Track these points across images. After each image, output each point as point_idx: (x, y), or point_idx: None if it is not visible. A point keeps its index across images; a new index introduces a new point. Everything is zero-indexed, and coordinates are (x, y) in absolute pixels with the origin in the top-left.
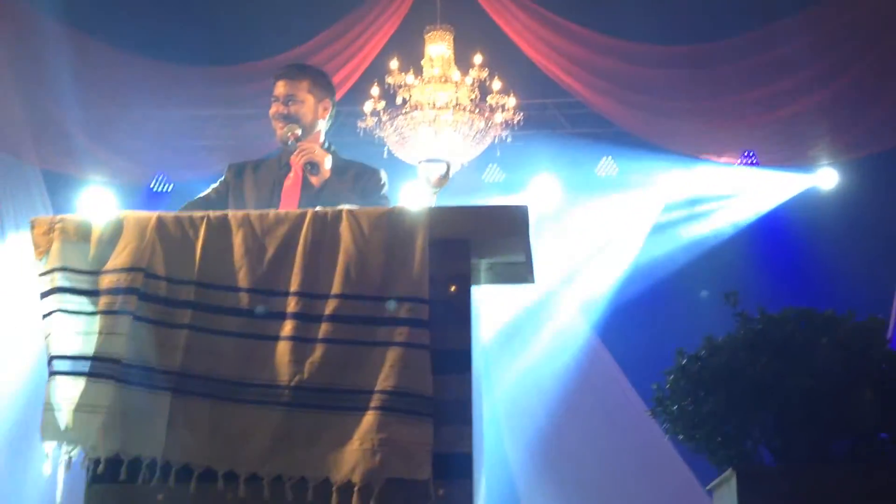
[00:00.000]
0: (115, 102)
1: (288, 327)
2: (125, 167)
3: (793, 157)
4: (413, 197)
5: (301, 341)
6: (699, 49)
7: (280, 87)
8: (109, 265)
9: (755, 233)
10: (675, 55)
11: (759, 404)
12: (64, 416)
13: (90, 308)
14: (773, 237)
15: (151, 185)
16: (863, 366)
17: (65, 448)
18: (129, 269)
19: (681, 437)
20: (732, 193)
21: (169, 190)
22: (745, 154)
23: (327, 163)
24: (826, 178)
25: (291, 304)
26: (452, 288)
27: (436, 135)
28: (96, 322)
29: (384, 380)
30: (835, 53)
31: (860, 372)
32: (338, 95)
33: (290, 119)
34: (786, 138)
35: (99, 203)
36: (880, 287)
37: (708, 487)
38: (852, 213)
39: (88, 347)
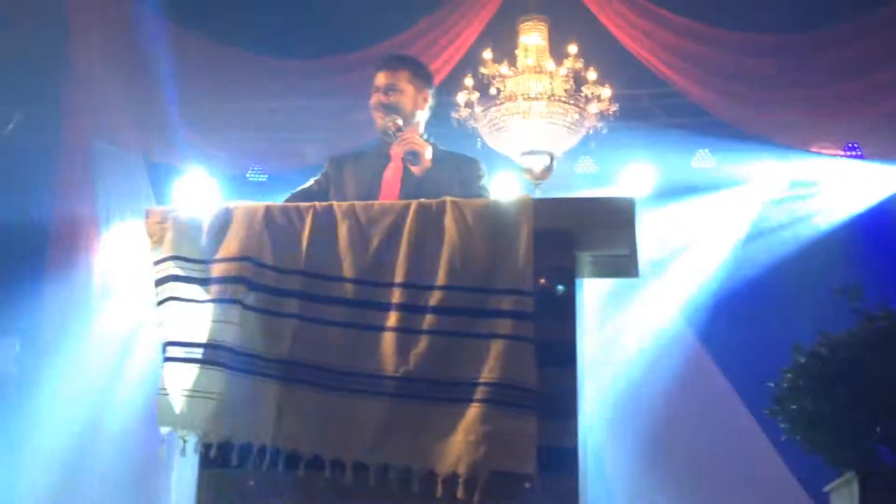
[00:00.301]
0: (215, 95)
1: (393, 318)
2: (223, 157)
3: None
4: (509, 188)
5: (406, 332)
6: (799, 38)
7: (381, 78)
8: (220, 254)
9: (858, 227)
10: (775, 44)
11: (883, 404)
12: (178, 402)
13: (202, 296)
14: (876, 231)
15: (247, 175)
16: None
17: (179, 433)
18: (239, 259)
19: (798, 437)
20: (835, 186)
21: (264, 180)
22: (849, 146)
23: (428, 153)
24: None
25: (397, 295)
26: (551, 282)
27: (529, 126)
28: (208, 310)
29: (488, 372)
30: None
31: None
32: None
33: (390, 109)
34: (891, 131)
35: (198, 192)
36: None
37: (826, 489)
38: None
39: (200, 335)
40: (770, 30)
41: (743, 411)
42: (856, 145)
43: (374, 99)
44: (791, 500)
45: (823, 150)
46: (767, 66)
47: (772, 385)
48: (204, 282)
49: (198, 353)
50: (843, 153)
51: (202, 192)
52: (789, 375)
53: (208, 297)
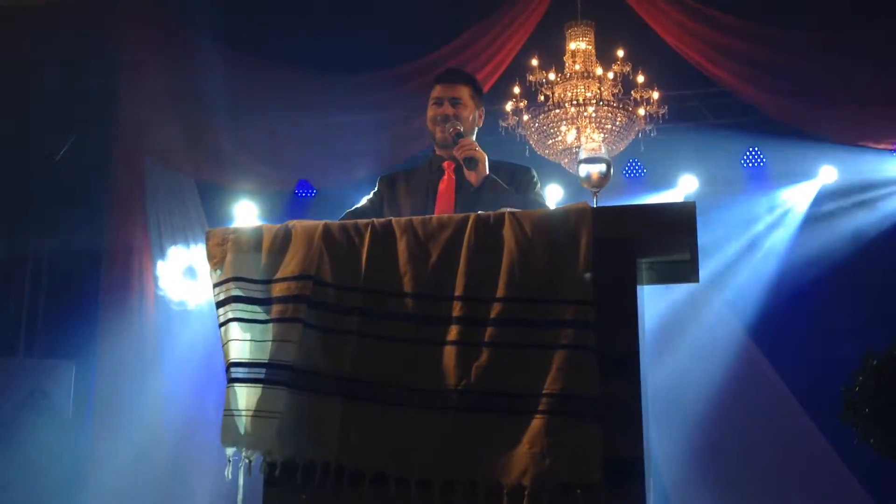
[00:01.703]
0: (262, 111)
1: (454, 332)
2: (271, 175)
3: None
4: (562, 197)
5: (467, 345)
6: (846, 35)
7: (442, 91)
8: (280, 273)
9: None
10: (822, 41)
11: None
12: (242, 422)
13: (263, 316)
14: None
15: (297, 192)
16: None
17: (244, 453)
18: (299, 278)
19: (872, 440)
20: (890, 182)
21: (313, 195)
22: None
23: (485, 161)
24: None
25: (457, 309)
26: (608, 290)
27: (579, 132)
28: (269, 330)
29: (551, 383)
30: None
31: None
32: None
33: (456, 122)
34: None
35: (250, 212)
36: None
37: None
38: None
39: (263, 354)
40: (815, 27)
41: (799, 412)
42: None
43: (438, 110)
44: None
45: (875, 146)
46: (814, 63)
47: (843, 389)
48: (265, 302)
49: (260, 372)
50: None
51: (252, 211)
52: (861, 379)
53: (269, 316)
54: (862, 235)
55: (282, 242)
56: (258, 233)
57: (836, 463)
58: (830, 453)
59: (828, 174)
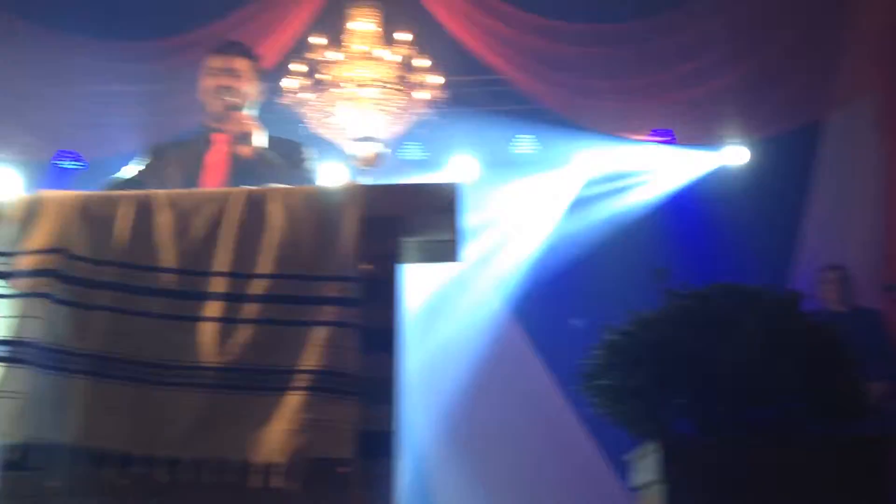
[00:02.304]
0: (24, 77)
1: (215, 308)
2: (32, 143)
3: (705, 135)
4: (336, 175)
5: (228, 322)
6: (617, 28)
7: (221, 62)
8: (27, 246)
9: (668, 209)
10: (594, 33)
11: (687, 378)
12: None
13: (7, 291)
14: (685, 213)
15: (59, 163)
16: (784, 338)
17: None
18: (49, 251)
19: (607, 411)
20: (648, 170)
21: (78, 167)
22: (660, 132)
23: (259, 136)
24: (736, 155)
25: (219, 285)
26: (376, 268)
27: (358, 112)
28: (13, 305)
29: (311, 359)
30: (744, 35)
31: (782, 344)
32: None
33: (232, 94)
34: (698, 117)
35: (13, 182)
36: (784, 260)
37: (627, 458)
38: (761, 188)
39: (7, 331)
40: (590, 20)
41: (554, 388)
42: (667, 131)
43: (213, 82)
44: (595, 470)
45: (637, 136)
46: (586, 55)
47: (584, 362)
48: (10, 275)
49: (4, 350)
50: (655, 139)
51: (14, 182)
52: (599, 352)
53: (14, 290)
54: (615, 220)
55: (30, 213)
56: (2, 202)
57: (586, 435)
58: (580, 427)
59: (590, 163)
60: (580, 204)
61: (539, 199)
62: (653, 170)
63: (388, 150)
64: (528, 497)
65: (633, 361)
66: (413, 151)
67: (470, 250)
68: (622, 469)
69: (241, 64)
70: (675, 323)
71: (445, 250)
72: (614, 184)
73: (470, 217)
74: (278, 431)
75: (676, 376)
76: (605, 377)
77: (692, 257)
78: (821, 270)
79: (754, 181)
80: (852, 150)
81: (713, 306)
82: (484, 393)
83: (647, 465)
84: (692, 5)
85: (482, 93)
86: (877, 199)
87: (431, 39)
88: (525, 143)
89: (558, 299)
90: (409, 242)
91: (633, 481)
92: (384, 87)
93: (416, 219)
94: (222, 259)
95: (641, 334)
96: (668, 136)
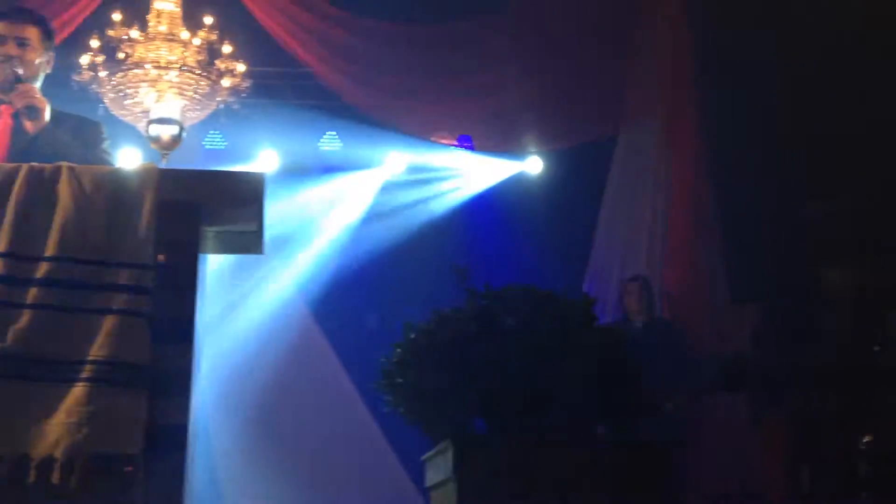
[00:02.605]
0: None
1: None
2: None
3: (503, 143)
4: (133, 158)
5: (7, 307)
6: (428, 30)
7: (8, 28)
8: None
9: (468, 213)
10: (405, 34)
11: (482, 378)
12: None
13: None
14: (485, 217)
15: None
16: (576, 342)
17: None
18: None
19: (402, 409)
20: (451, 174)
21: None
22: (462, 138)
23: (47, 111)
24: (533, 164)
25: None
26: (173, 256)
27: (158, 95)
28: None
29: (98, 349)
30: (544, 49)
31: (574, 348)
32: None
33: (16, 62)
34: (498, 125)
35: None
36: (577, 266)
37: (423, 458)
38: (555, 197)
39: None
40: (402, 21)
41: (350, 386)
42: (468, 137)
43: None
44: (388, 469)
45: (440, 140)
46: (396, 56)
47: (383, 360)
48: None
49: None
50: (457, 143)
51: None
52: (399, 351)
53: None
54: (421, 221)
55: None
56: None
57: (382, 434)
58: (375, 426)
59: (397, 162)
60: (386, 204)
61: (342, 196)
62: (455, 174)
63: (184, 133)
64: (321, 496)
65: (430, 360)
66: (214, 140)
67: (271, 244)
68: (418, 468)
69: (30, 32)
70: (472, 323)
71: (247, 241)
72: (417, 186)
73: (272, 210)
74: (58, 424)
75: (472, 376)
76: (402, 376)
77: (490, 261)
78: (623, 281)
79: (551, 190)
80: (640, 165)
81: (510, 308)
82: (280, 389)
83: (440, 465)
84: (498, 16)
85: (290, 86)
86: (660, 213)
87: (239, 27)
88: (331, 141)
89: (357, 297)
90: (210, 231)
91: (427, 481)
92: (185, 70)
93: (217, 207)
94: (2, 239)
95: (440, 333)
96: (468, 143)
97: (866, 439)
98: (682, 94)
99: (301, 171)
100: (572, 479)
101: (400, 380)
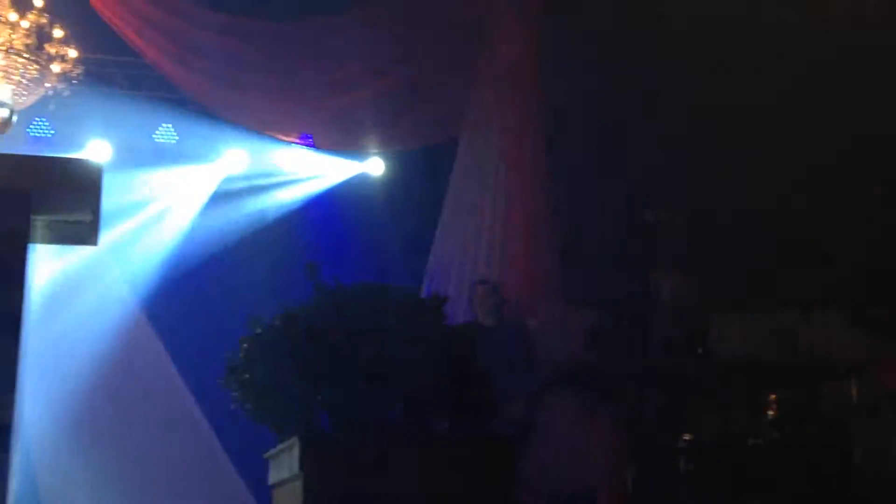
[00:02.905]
0: None
1: None
2: None
3: (345, 143)
4: None
5: None
6: (272, 27)
7: None
8: None
9: (309, 212)
10: (249, 29)
11: (330, 374)
12: None
13: None
14: (325, 218)
15: None
16: (426, 340)
17: None
18: None
19: (249, 406)
20: (290, 172)
21: None
22: (305, 136)
23: None
24: (375, 165)
25: None
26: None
27: None
28: None
29: None
30: (388, 51)
31: (424, 346)
32: None
33: None
34: (340, 125)
35: None
36: (417, 268)
37: (267, 455)
38: (398, 199)
39: None
40: (249, 15)
41: (181, 386)
42: (310, 136)
43: None
44: (223, 468)
45: (282, 137)
46: (239, 49)
47: (228, 355)
48: None
49: None
50: (300, 142)
51: None
52: (245, 346)
53: None
54: (257, 219)
55: None
56: None
57: (217, 431)
58: (209, 424)
59: (237, 158)
60: (224, 199)
61: (179, 191)
62: (296, 172)
63: (14, 118)
64: (151, 498)
65: (277, 356)
66: (40, 127)
67: (104, 237)
68: (253, 467)
69: None
70: (321, 317)
71: (81, 232)
72: (257, 182)
73: (105, 202)
74: None
75: (319, 372)
76: (249, 371)
77: (329, 260)
78: (472, 284)
79: (394, 191)
80: (480, 169)
81: (359, 304)
82: (109, 388)
83: (285, 462)
84: (341, 16)
85: (125, 75)
86: (499, 217)
87: (73, 12)
88: (167, 133)
89: (193, 293)
90: (40, 221)
91: (271, 478)
92: (12, 53)
93: (50, 196)
94: None
95: (287, 329)
96: (309, 141)
97: (686, 437)
98: (523, 99)
99: (134, 164)
100: (417, 474)
101: (247, 375)
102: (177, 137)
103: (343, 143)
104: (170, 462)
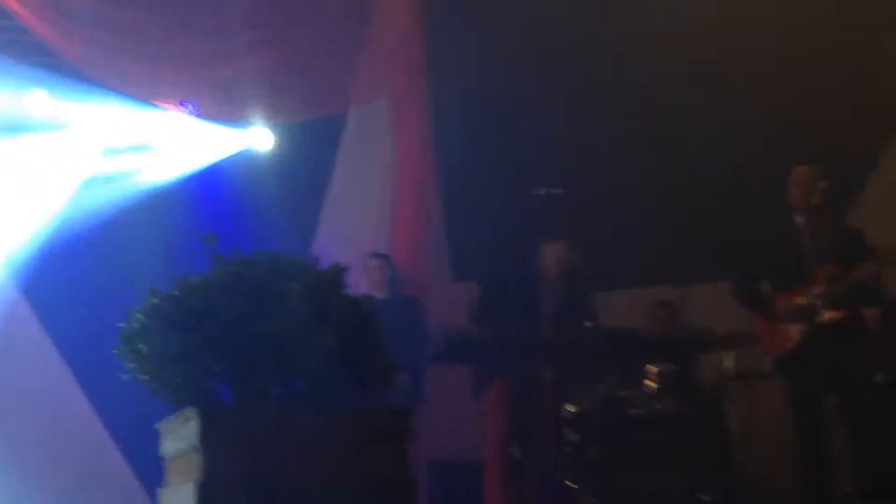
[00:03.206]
0: None
1: None
2: None
3: (232, 113)
4: None
5: None
6: None
7: None
8: None
9: (196, 183)
10: None
11: (230, 345)
12: None
13: None
14: (212, 188)
15: None
16: (326, 311)
17: None
18: None
19: (145, 378)
20: (172, 142)
21: None
22: (186, 103)
23: None
24: (261, 137)
25: None
26: None
27: None
28: None
29: None
30: (276, 21)
31: (323, 316)
32: None
33: None
34: (226, 95)
35: None
36: (306, 239)
37: (158, 426)
38: (288, 170)
39: None
40: None
41: (61, 365)
42: (194, 105)
43: None
44: (98, 446)
45: (165, 106)
46: (121, 15)
47: (123, 326)
48: None
49: None
50: (184, 111)
51: None
52: (140, 316)
53: None
54: (140, 190)
55: None
56: None
57: (97, 405)
58: (87, 398)
59: (116, 126)
60: (106, 171)
61: (54, 162)
62: (178, 142)
63: None
64: (29, 477)
65: (175, 327)
66: None
67: None
68: (144, 439)
69: None
70: (222, 288)
71: None
72: (140, 153)
73: None
74: None
75: (219, 343)
76: (145, 342)
77: (218, 230)
78: (365, 257)
79: (282, 163)
80: (370, 144)
81: (259, 274)
82: None
83: (181, 433)
84: None
85: None
86: (386, 192)
87: None
88: (40, 99)
89: (74, 273)
90: None
91: (164, 449)
92: None
93: None
94: None
95: (186, 299)
96: (195, 109)
97: (571, 408)
98: (411, 72)
99: (4, 133)
100: (320, 446)
101: (143, 346)
102: (52, 103)
103: (228, 112)
104: (53, 448)
